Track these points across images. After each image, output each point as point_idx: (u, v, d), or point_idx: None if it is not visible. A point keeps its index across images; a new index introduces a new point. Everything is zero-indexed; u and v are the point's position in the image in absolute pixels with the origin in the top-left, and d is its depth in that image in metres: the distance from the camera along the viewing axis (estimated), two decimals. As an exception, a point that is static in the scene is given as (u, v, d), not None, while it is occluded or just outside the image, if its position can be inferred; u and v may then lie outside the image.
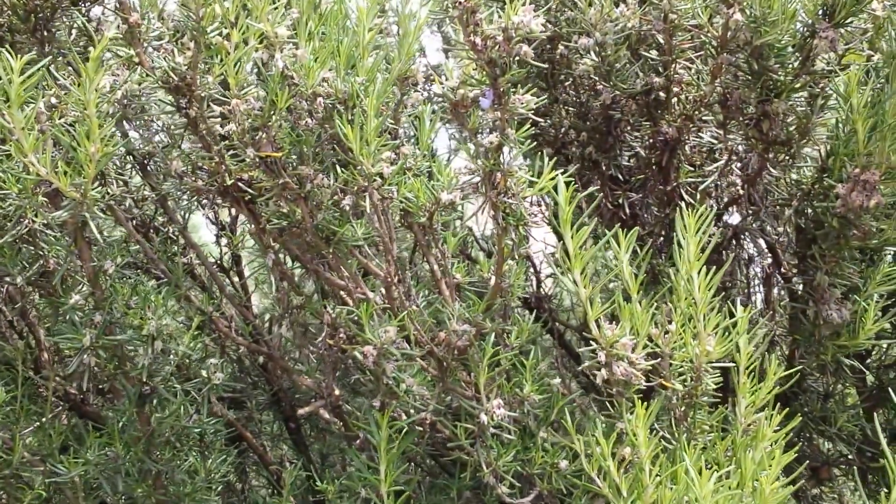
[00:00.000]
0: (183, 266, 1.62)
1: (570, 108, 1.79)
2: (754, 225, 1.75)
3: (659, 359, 1.33)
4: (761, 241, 1.84)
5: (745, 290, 1.92)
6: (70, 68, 1.45)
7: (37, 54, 1.41)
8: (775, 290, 1.90)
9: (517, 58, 1.22)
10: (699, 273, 1.28)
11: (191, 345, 1.45)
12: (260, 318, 1.79)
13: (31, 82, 1.18)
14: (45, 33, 1.46)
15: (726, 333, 1.32)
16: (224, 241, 1.98)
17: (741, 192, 1.69)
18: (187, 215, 1.84)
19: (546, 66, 1.69)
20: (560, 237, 1.27)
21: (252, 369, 2.00)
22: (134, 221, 1.73)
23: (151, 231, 1.81)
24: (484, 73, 1.25)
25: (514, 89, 1.26)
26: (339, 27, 1.41)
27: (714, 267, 1.29)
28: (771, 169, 1.66)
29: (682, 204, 1.64)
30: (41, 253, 1.42)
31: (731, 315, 1.33)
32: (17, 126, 1.21)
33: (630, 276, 1.28)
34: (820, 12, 1.47)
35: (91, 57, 1.18)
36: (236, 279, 2.02)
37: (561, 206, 1.22)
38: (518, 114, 1.26)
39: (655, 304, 1.30)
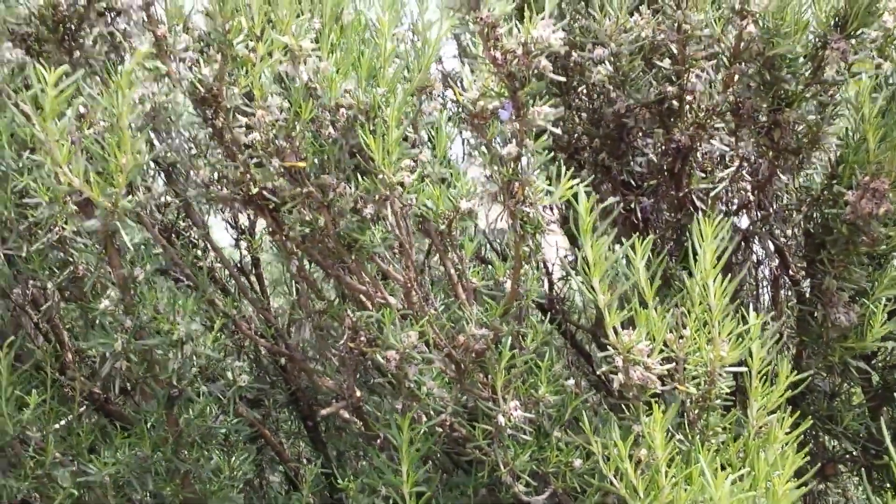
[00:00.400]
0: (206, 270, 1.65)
1: (584, 115, 1.81)
2: (763, 229, 1.78)
3: (674, 363, 1.36)
4: (770, 245, 1.86)
5: (754, 293, 1.95)
6: (97, 78, 1.48)
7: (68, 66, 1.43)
8: (783, 293, 1.94)
9: (536, 71, 1.25)
10: (714, 280, 1.31)
11: (212, 346, 1.48)
12: (276, 319, 1.82)
13: (64, 95, 1.20)
14: (73, 44, 1.49)
15: (740, 339, 1.35)
16: (244, 244, 2.02)
17: (751, 197, 1.72)
18: (206, 219, 1.87)
19: (562, 76, 1.72)
20: (574, 242, 1.29)
21: (270, 369, 2.04)
22: (156, 227, 1.76)
23: (173, 235, 1.84)
24: (503, 85, 1.28)
25: (532, 101, 1.28)
26: (359, 38, 1.44)
27: (728, 273, 1.31)
28: (781, 175, 1.69)
29: (696, 210, 1.67)
30: (70, 259, 1.45)
31: (744, 320, 1.36)
32: (50, 137, 1.24)
33: (646, 282, 1.30)
34: (832, 24, 1.50)
35: (125, 70, 1.20)
36: (254, 280, 2.05)
37: (581, 216, 1.24)
38: (536, 125, 1.28)
39: (669, 308, 1.33)
